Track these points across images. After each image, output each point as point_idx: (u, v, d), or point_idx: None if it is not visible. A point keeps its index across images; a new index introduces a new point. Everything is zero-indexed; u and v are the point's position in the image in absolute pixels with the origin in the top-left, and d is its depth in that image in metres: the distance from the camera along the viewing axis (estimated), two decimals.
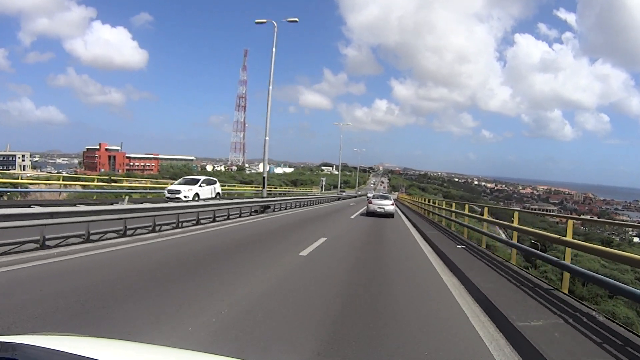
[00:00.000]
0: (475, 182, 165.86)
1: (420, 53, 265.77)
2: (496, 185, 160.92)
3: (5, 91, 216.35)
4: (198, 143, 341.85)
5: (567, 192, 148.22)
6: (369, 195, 27.50)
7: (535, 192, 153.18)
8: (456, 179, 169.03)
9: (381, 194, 28.67)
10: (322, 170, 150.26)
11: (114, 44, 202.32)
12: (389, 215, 18.82)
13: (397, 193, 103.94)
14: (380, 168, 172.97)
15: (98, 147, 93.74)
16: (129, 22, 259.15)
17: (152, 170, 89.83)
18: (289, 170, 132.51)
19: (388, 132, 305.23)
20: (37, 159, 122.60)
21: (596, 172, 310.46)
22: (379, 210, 18.90)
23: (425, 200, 24.78)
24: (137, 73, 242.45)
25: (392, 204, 19.72)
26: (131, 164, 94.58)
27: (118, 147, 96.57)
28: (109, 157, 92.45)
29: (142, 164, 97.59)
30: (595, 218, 75.46)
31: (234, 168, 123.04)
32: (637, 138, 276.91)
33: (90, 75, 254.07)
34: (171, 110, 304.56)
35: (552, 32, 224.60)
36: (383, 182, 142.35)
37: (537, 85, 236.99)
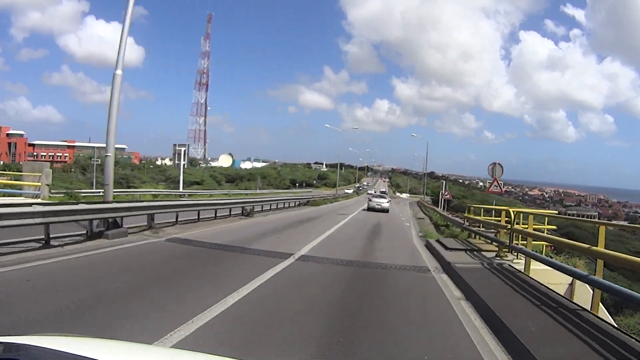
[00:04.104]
0: (480, 184, 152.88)
1: (424, 50, 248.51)
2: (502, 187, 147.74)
3: (2, 90, 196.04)
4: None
5: (577, 194, 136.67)
6: (370, 192, 30.67)
7: (545, 193, 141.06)
8: (460, 180, 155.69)
9: (379, 193, 31.33)
10: (310, 167, 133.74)
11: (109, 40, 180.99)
12: (384, 210, 22.69)
13: (404, 195, 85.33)
14: (380, 168, 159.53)
15: None
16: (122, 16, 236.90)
17: (65, 161, 72.29)
18: (259, 165, 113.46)
19: (389, 132, 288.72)
20: None
21: (598, 174, 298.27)
22: (377, 206, 22.92)
23: None
24: (133, 70, 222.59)
25: (388, 202, 24.65)
26: (35, 153, 75.92)
27: (22, 132, 78.31)
28: (9, 144, 74.53)
29: (50, 153, 78.39)
30: None
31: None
32: None
33: (85, 73, 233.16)
34: (170, 108, 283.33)
35: (559, 29, 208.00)
36: (385, 181, 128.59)
37: (542, 85, 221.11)
